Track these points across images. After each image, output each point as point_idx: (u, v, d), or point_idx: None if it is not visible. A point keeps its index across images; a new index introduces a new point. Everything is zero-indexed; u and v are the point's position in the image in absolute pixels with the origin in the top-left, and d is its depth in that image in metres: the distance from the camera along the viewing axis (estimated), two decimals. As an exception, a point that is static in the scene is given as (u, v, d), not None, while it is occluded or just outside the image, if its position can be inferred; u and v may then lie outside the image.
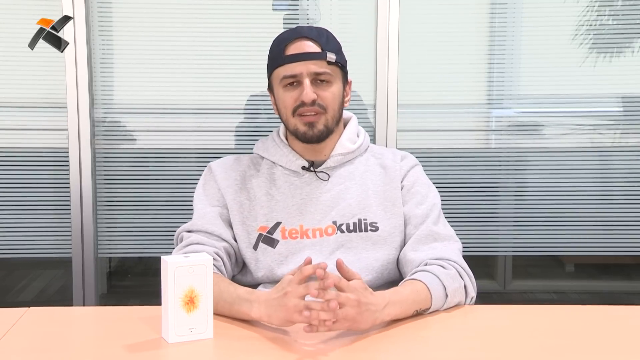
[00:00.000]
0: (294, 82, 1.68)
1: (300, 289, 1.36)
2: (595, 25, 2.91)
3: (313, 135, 1.69)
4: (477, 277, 1.65)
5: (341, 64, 1.72)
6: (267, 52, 1.75)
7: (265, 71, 1.76)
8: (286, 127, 1.74)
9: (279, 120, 1.77)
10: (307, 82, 1.66)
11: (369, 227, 1.69)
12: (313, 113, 1.67)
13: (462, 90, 2.95)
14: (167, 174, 2.91)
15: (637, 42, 2.92)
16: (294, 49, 1.68)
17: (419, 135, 2.94)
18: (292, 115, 1.69)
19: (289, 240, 1.68)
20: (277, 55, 1.70)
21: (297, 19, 2.85)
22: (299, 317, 1.35)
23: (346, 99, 1.76)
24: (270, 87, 1.77)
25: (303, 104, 1.67)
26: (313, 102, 1.66)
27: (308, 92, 1.65)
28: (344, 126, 1.80)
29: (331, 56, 1.68)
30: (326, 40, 1.70)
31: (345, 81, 1.76)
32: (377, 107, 2.82)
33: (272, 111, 1.79)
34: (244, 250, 1.69)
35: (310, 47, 1.68)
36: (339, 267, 1.41)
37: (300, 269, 1.39)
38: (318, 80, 1.68)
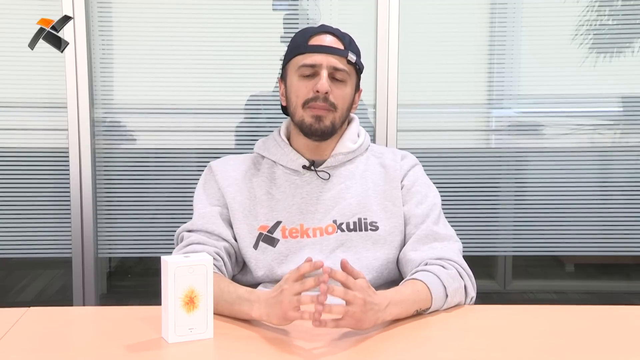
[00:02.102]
0: (311, 73, 1.69)
1: (296, 286, 1.36)
2: (595, 25, 2.91)
3: (318, 128, 1.69)
4: (477, 277, 1.65)
5: (359, 67, 1.74)
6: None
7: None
8: (292, 119, 1.74)
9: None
10: (324, 73, 1.67)
11: (369, 227, 1.69)
12: (323, 108, 1.68)
13: (462, 90, 2.95)
14: (167, 174, 2.91)
15: (637, 42, 2.92)
16: (318, 40, 1.71)
17: (419, 135, 2.94)
18: (301, 106, 1.69)
19: (289, 240, 1.68)
20: (300, 44, 1.71)
21: (297, 19, 2.85)
22: (294, 314, 1.35)
23: (354, 105, 1.78)
24: (282, 77, 1.77)
25: (315, 97, 1.67)
26: (326, 97, 1.67)
27: (324, 82, 1.66)
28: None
29: (352, 56, 1.71)
30: (349, 42, 1.74)
31: (357, 88, 1.77)
32: (377, 107, 2.82)
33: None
34: (244, 250, 1.69)
35: (335, 42, 1.71)
36: (344, 267, 1.41)
37: (297, 267, 1.39)
38: (334, 77, 1.69)
